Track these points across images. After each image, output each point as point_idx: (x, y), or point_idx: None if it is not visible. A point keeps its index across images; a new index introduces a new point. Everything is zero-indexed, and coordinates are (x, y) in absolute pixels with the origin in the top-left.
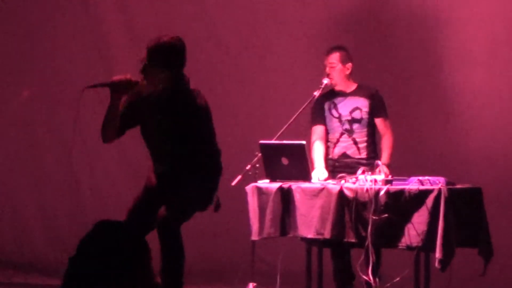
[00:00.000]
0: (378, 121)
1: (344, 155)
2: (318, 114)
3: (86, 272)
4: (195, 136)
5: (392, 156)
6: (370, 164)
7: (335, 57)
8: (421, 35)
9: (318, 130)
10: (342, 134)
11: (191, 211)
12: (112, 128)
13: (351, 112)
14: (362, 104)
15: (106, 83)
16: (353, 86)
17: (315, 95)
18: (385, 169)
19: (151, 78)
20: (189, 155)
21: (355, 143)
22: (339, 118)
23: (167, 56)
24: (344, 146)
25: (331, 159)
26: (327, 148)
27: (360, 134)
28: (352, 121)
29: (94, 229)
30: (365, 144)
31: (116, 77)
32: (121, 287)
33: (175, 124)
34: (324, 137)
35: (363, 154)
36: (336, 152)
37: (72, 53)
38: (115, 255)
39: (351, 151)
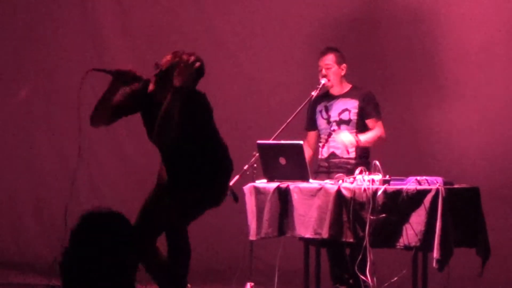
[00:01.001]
0: (369, 122)
1: (333, 155)
2: (309, 120)
3: (82, 263)
4: (203, 135)
5: (371, 143)
6: (360, 164)
7: (330, 58)
8: (419, 35)
9: (308, 136)
10: (330, 134)
11: (201, 209)
12: (103, 113)
13: (339, 114)
14: (352, 105)
15: (111, 71)
16: (347, 88)
17: (312, 95)
18: (352, 137)
19: (163, 86)
20: (199, 153)
21: None
22: (328, 119)
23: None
24: (333, 146)
25: (321, 159)
26: (316, 150)
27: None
28: (340, 122)
29: (84, 220)
30: None
31: (122, 68)
32: (116, 276)
33: (186, 125)
34: (313, 142)
35: (352, 154)
36: (325, 152)
37: (70, 53)
38: (108, 245)
39: (339, 151)
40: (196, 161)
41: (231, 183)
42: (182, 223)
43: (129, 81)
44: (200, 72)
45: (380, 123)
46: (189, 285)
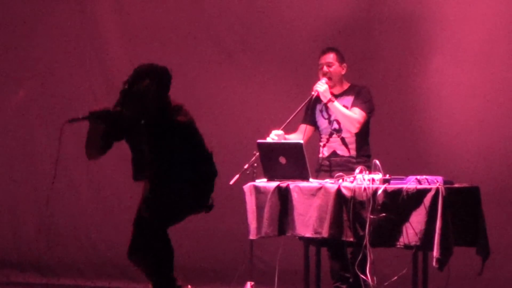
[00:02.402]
0: (353, 110)
1: (334, 153)
2: (306, 114)
3: None
4: (182, 149)
5: (342, 115)
6: (361, 162)
7: (332, 57)
8: (418, 34)
9: (301, 128)
10: (331, 134)
11: (180, 215)
12: (95, 149)
13: None
14: (349, 102)
15: (85, 117)
16: (346, 86)
17: (313, 95)
18: (327, 90)
19: (127, 102)
20: (180, 164)
21: (344, 142)
22: (329, 119)
23: (159, 82)
24: (334, 145)
25: (322, 158)
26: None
27: (349, 133)
28: None
29: None
30: (354, 143)
31: (95, 108)
32: None
33: (163, 143)
34: (304, 134)
35: (353, 152)
36: (326, 151)
37: (70, 54)
38: None
39: (341, 150)
40: (177, 172)
41: (231, 182)
42: (162, 227)
43: (105, 118)
44: (164, 82)
45: (363, 114)
46: (189, 286)
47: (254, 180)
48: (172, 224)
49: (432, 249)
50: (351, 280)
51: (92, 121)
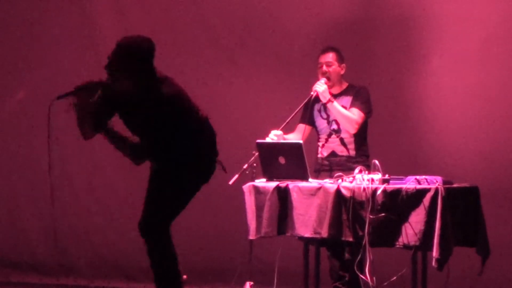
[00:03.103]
0: (351, 110)
1: (333, 153)
2: (304, 114)
3: None
4: (175, 121)
5: (340, 115)
6: (360, 162)
7: (331, 56)
8: (417, 34)
9: (299, 128)
10: (330, 134)
11: (192, 187)
12: (88, 128)
13: None
14: (348, 102)
15: (71, 92)
16: (344, 86)
17: (312, 95)
18: (326, 90)
19: (114, 76)
20: (178, 132)
21: (343, 143)
22: (327, 119)
23: (140, 59)
24: (332, 146)
25: (321, 158)
26: (316, 148)
27: (348, 133)
28: None
29: None
30: (352, 143)
31: (80, 84)
32: None
33: (152, 118)
34: (303, 134)
35: (352, 153)
36: (325, 151)
37: (69, 55)
38: None
39: (339, 151)
40: (175, 141)
41: (230, 182)
42: (177, 206)
43: (92, 92)
44: (145, 57)
45: (362, 114)
46: (184, 276)
47: (253, 180)
48: (187, 200)
49: (431, 249)
50: (347, 278)
51: (79, 96)
